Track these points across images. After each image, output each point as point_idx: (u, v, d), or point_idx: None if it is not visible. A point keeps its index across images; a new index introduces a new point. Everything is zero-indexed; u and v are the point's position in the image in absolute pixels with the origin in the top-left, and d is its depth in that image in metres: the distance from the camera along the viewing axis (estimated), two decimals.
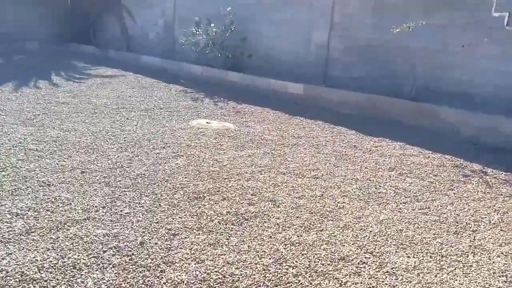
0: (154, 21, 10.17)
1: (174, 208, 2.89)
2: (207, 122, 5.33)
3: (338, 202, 3.19)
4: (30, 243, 2.34)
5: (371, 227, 2.86)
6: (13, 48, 10.50)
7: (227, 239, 2.55)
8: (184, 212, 2.84)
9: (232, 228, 2.68)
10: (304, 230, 2.72)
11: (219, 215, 2.83)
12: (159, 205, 2.92)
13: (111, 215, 2.72)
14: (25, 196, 2.90)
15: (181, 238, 2.51)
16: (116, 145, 4.16)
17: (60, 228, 2.51)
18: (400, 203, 3.27)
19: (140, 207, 2.87)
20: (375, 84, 6.45)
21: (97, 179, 3.29)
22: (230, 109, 6.19)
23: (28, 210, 2.70)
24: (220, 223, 2.72)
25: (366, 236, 2.73)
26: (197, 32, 8.02)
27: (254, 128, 5.18)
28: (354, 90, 6.35)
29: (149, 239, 2.46)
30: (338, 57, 6.96)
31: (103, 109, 5.57)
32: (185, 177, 3.44)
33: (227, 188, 3.28)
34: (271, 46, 7.83)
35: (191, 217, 2.77)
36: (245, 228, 2.68)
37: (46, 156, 3.70)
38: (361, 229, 2.82)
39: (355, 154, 4.40)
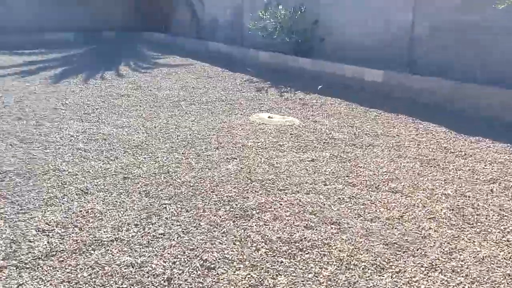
0: (223, 6, 9.81)
1: (215, 229, 2.43)
2: (269, 117, 4.80)
3: (422, 228, 2.49)
4: (46, 270, 2.03)
5: (467, 268, 2.14)
6: (93, 37, 10.86)
7: (273, 278, 2.02)
8: (226, 235, 2.36)
9: (281, 262, 2.14)
10: (375, 271, 2.09)
11: (267, 241, 2.31)
12: (199, 224, 2.48)
13: (142, 236, 2.34)
14: (58, 207, 2.64)
15: (217, 274, 2.04)
16: (167, 144, 3.82)
17: (83, 252, 2.18)
18: (508, 232, 2.47)
19: (177, 226, 2.45)
20: (467, 70, 5.38)
21: (138, 187, 2.95)
22: (297, 100, 5.59)
23: (56, 226, 2.42)
24: (267, 254, 2.20)
25: (461, 283, 2.03)
26: (265, 16, 7.46)
27: (322, 124, 4.54)
28: (442, 77, 5.37)
29: (179, 274, 2.03)
30: (423, 40, 5.96)
31: (163, 102, 5.31)
32: (234, 187, 2.96)
33: (281, 204, 2.74)
34: (345, 28, 7.01)
35: (233, 244, 2.28)
36: (297, 263, 2.13)
37: (92, 157, 3.47)
38: (453, 271, 2.12)
39: (446, 159, 3.58)
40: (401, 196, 2.89)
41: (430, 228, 2.50)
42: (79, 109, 4.83)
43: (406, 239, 2.38)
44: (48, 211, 2.59)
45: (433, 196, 2.92)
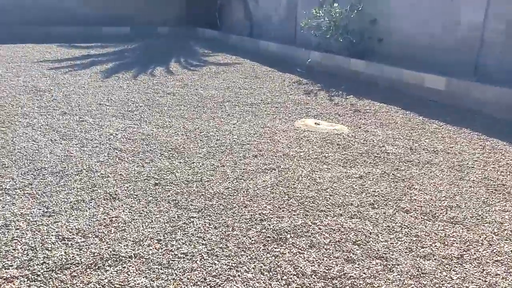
0: (277, 3, 9.53)
1: (243, 253, 2.18)
2: (315, 123, 4.48)
3: (487, 274, 2.09)
4: (57, 286, 1.88)
5: None
6: (148, 33, 11.02)
7: None
8: (254, 262, 2.10)
9: None
10: None
11: (300, 275, 2.02)
12: (226, 245, 2.24)
13: (163, 254, 2.14)
14: (84, 212, 2.52)
15: None
16: (205, 149, 3.63)
17: (98, 268, 2.01)
18: None
19: (202, 245, 2.23)
20: None
21: (168, 195, 2.77)
22: (348, 106, 5.20)
23: (77, 234, 2.29)
24: None
25: None
26: (319, 14, 7.09)
27: (374, 134, 4.15)
28: None
29: None
30: (495, 43, 5.33)
31: (207, 102, 5.15)
32: (270, 203, 2.70)
33: (320, 228, 2.43)
34: (404, 29, 6.47)
35: (261, 274, 2.02)
36: None
37: (128, 158, 3.35)
38: None
39: None
40: (462, 229, 2.48)
41: (497, 275, 2.09)
42: (123, 106, 4.79)
43: (466, 287, 1.99)
44: (72, 216, 2.47)
45: (502, 231, 2.48)
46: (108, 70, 6.68)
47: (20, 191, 2.74)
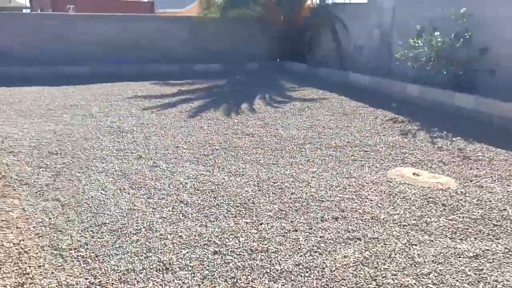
0: (369, 33, 8.92)
1: None
2: (414, 174, 3.75)
3: None
4: None
5: None
6: (237, 68, 11.12)
7: None
8: None
9: None
10: None
11: None
12: None
13: None
14: (131, 287, 2.19)
15: None
16: (277, 205, 3.16)
17: None
18: None
19: None
20: None
21: (227, 270, 2.33)
22: (454, 151, 4.36)
23: None
24: None
25: None
26: (417, 44, 6.33)
27: (491, 192, 3.30)
28: None
29: None
30: None
31: (286, 144, 4.72)
32: None
33: None
34: None
35: None
36: None
37: (192, 215, 3.02)
38: None
39: None
40: None
41: None
42: (199, 149, 4.57)
43: None
44: None
45: None
46: (192, 109, 6.66)
47: (74, 252, 2.54)
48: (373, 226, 2.80)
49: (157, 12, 27.39)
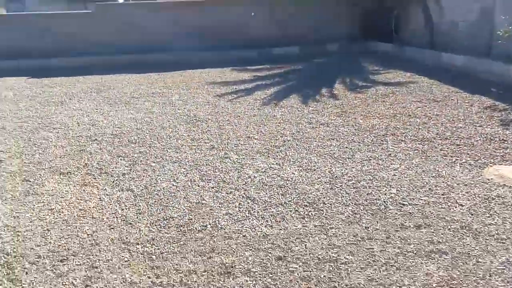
0: (466, 8, 7.91)
1: None
2: None
3: None
4: None
5: None
6: (316, 51, 10.70)
7: None
8: None
9: None
10: None
11: None
12: None
13: None
14: None
15: None
16: (350, 207, 2.89)
17: None
18: None
19: None
20: None
21: (291, 280, 2.16)
22: None
23: None
24: None
25: None
26: None
27: None
28: None
29: None
30: None
31: (366, 136, 4.36)
32: None
33: None
34: None
35: None
36: None
37: (258, 213, 2.89)
38: None
39: None
40: None
41: None
42: (271, 140, 4.42)
43: None
44: None
45: None
46: (267, 96, 6.51)
47: (141, 247, 2.56)
48: (463, 238, 2.41)
49: None
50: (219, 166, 3.79)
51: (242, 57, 10.34)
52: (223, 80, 7.86)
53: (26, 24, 9.98)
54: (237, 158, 3.95)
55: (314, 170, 3.57)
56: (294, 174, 3.51)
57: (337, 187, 3.22)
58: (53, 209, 3.09)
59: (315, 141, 4.31)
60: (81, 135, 4.78)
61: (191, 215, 2.93)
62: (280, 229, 2.66)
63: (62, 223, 2.89)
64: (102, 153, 4.20)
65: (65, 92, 7.00)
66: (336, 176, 3.41)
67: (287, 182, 3.36)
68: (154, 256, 2.46)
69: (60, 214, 3.01)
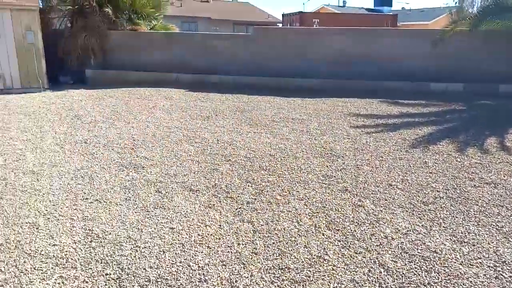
0: None
1: None
2: None
3: None
4: None
5: None
6: (485, 91, 9.25)
7: None
8: None
9: None
10: None
11: None
12: None
13: None
14: None
15: None
16: None
17: None
18: None
19: None
20: None
21: None
22: None
23: None
24: None
25: None
26: None
27: None
28: None
29: None
30: None
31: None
32: None
33: None
34: None
35: None
36: None
37: None
38: None
39: None
40: None
41: None
42: (418, 193, 3.73)
43: None
44: None
45: None
46: (419, 137, 5.72)
47: None
48: None
49: (399, 25, 26.35)
50: (350, 214, 3.31)
51: (393, 88, 9.55)
52: (368, 112, 7.29)
53: (190, 42, 11.04)
54: (373, 209, 3.41)
55: (473, 245, 2.81)
56: (444, 245, 2.81)
57: (504, 276, 2.44)
58: (174, 228, 3.05)
59: (477, 204, 3.48)
60: (218, 153, 4.83)
61: (309, 270, 2.54)
62: None
63: (179, 246, 2.81)
64: (233, 176, 4.12)
65: (214, 108, 7.36)
66: (505, 261, 2.60)
67: (435, 254, 2.70)
68: None
69: (179, 236, 2.94)
